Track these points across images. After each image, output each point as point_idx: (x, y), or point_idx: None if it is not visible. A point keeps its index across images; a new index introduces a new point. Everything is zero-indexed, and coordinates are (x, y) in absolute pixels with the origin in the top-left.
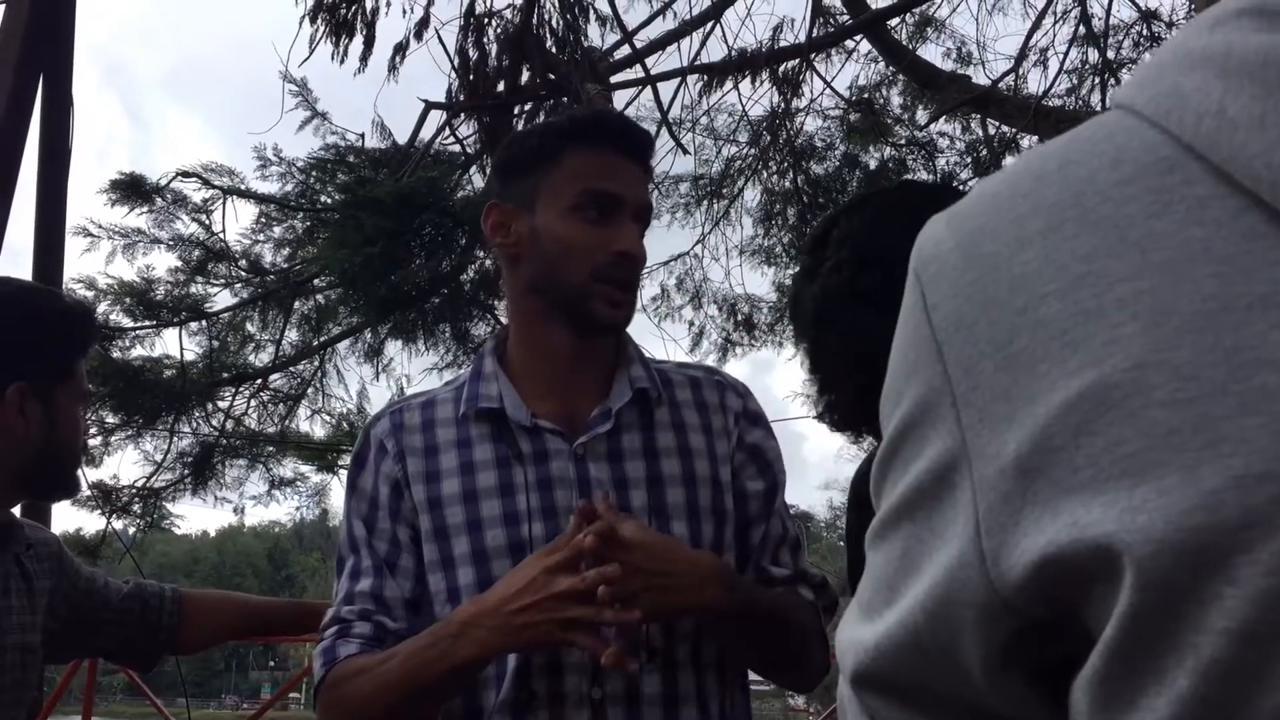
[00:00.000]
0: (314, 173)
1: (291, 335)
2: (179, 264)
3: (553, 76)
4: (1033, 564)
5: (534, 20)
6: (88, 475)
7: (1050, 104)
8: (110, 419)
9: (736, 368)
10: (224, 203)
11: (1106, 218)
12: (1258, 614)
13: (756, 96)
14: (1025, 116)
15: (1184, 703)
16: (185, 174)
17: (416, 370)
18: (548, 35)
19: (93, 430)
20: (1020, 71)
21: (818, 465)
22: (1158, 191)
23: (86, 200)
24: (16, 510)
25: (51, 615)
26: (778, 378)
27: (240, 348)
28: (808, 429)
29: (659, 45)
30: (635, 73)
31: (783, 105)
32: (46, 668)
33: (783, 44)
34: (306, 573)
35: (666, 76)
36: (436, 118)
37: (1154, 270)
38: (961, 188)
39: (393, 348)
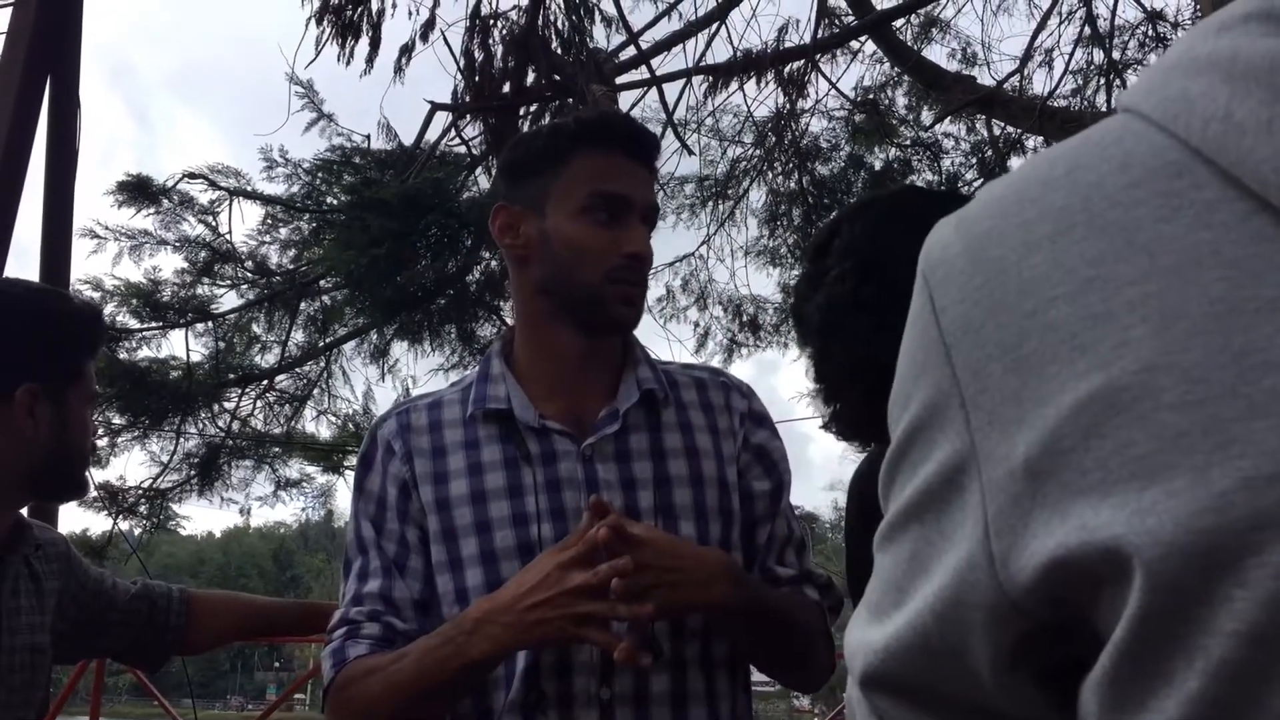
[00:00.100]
0: (320, 174)
1: (297, 336)
2: (185, 265)
3: (558, 78)
4: (1042, 566)
5: (539, 21)
6: (94, 476)
7: (1055, 104)
8: (117, 420)
9: (742, 368)
10: (230, 204)
11: (1115, 222)
12: (1268, 616)
13: (761, 97)
14: (1030, 117)
15: (1193, 704)
16: (192, 175)
17: (422, 371)
18: (553, 36)
19: (100, 431)
20: (1025, 72)
21: (823, 466)
22: (1166, 195)
23: (93, 201)
24: (24, 511)
25: (60, 616)
26: (783, 378)
27: (246, 349)
28: (813, 430)
29: (664, 46)
30: (640, 74)
31: (788, 106)
32: (53, 669)
33: (788, 45)
34: (311, 573)
35: (672, 77)
36: (442, 119)
37: (1162, 274)
38: (965, 192)
39: (398, 349)
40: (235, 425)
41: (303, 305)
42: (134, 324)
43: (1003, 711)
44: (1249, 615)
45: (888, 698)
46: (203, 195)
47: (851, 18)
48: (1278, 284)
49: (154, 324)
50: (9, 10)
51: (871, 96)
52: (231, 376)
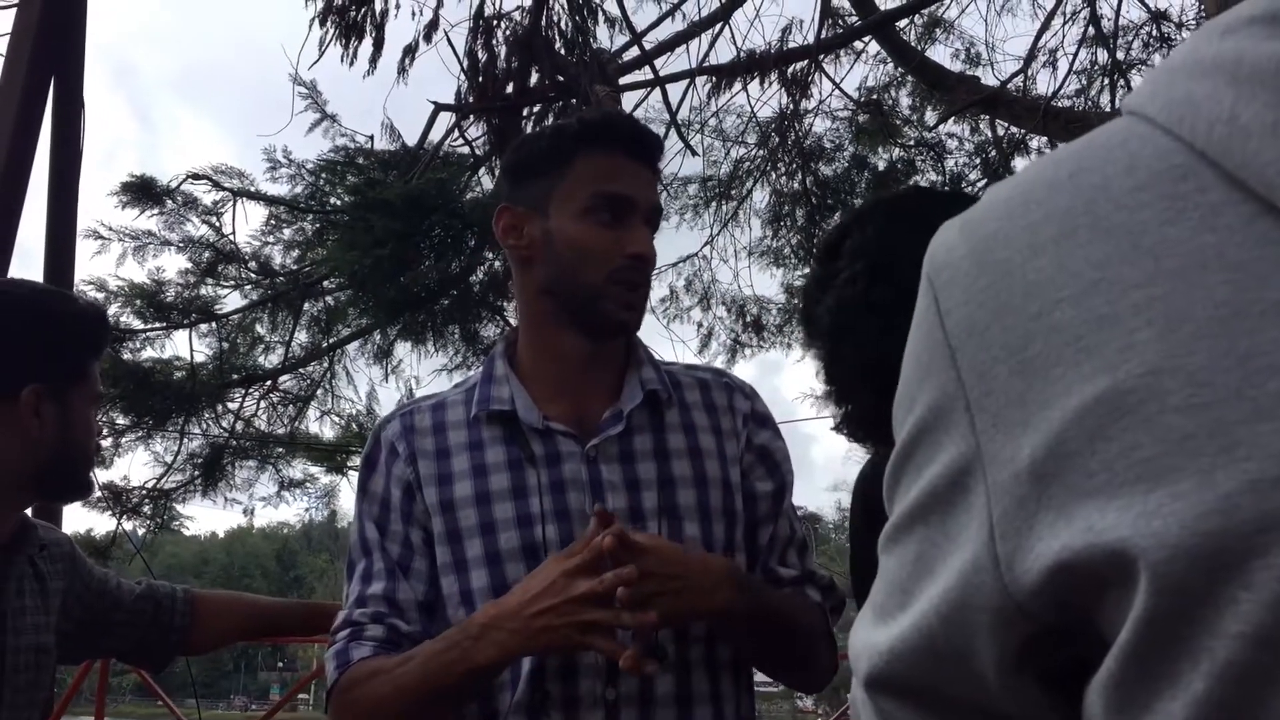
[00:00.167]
0: (324, 175)
1: (301, 337)
2: (189, 266)
3: (562, 78)
4: (1047, 569)
5: (543, 22)
6: (99, 476)
7: (1059, 105)
8: (120, 420)
9: (745, 369)
10: (234, 205)
11: (1120, 224)
12: (1273, 618)
13: (765, 98)
14: (1034, 117)
15: (1199, 705)
16: (195, 176)
17: (426, 372)
18: (557, 37)
19: (104, 432)
20: (1029, 72)
21: (825, 467)
22: (1171, 198)
23: (96, 202)
24: (29, 511)
25: (65, 616)
26: (786, 379)
27: (250, 349)
28: (816, 431)
29: (668, 47)
30: (644, 74)
31: (791, 106)
32: (57, 669)
33: (791, 45)
34: (315, 574)
35: (675, 78)
36: (446, 119)
37: (1167, 277)
38: (972, 193)
39: (402, 349)
40: (239, 426)
41: (306, 306)
42: (138, 324)
43: (1008, 714)
44: (1254, 617)
45: (892, 699)
46: (206, 196)
47: (855, 18)
48: None
49: (158, 324)
50: (13, 10)
51: (875, 97)
52: (235, 377)
